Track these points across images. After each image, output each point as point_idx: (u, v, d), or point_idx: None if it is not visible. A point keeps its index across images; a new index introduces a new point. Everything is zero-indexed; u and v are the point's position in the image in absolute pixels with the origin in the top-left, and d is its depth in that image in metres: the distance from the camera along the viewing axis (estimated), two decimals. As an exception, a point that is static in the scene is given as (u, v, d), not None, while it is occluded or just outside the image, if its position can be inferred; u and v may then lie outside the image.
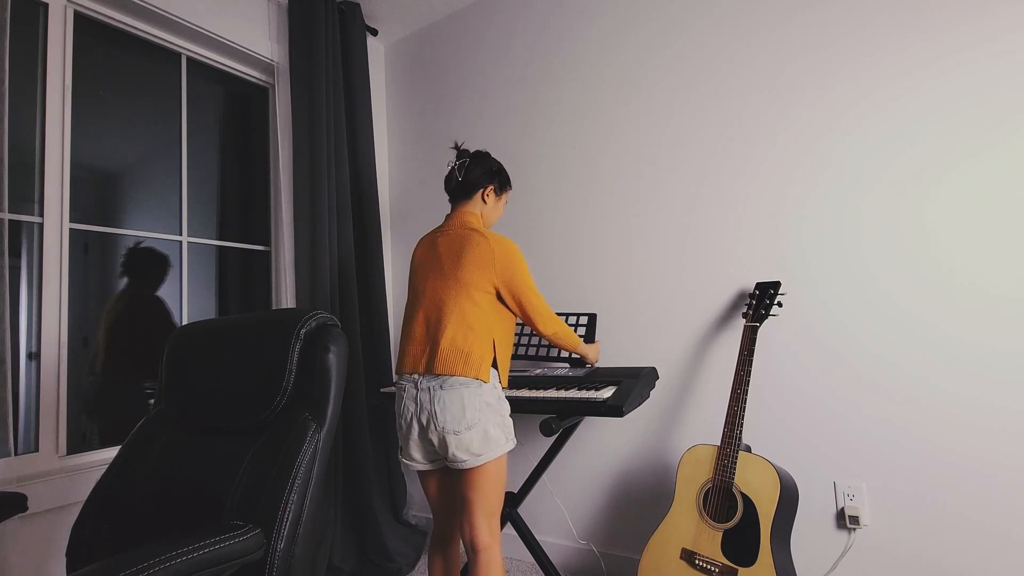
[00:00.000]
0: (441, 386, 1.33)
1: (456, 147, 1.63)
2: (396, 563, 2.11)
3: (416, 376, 1.38)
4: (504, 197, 1.63)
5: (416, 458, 1.41)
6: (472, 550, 1.34)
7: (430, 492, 1.49)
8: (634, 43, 2.05)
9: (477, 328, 1.37)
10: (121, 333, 1.82)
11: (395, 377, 1.40)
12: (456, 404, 1.31)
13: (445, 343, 1.35)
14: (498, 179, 1.60)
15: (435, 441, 1.34)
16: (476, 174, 1.54)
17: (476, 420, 1.31)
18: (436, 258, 1.47)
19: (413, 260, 1.56)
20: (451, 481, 1.49)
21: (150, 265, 1.91)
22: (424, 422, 1.34)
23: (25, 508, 1.09)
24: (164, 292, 1.96)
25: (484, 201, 1.56)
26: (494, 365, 1.41)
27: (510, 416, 1.42)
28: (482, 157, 1.58)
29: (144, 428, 1.14)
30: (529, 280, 1.46)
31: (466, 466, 1.31)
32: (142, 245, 1.87)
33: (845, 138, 1.65)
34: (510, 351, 1.50)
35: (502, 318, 1.45)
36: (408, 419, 1.38)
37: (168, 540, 0.76)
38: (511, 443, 1.37)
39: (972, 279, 1.47)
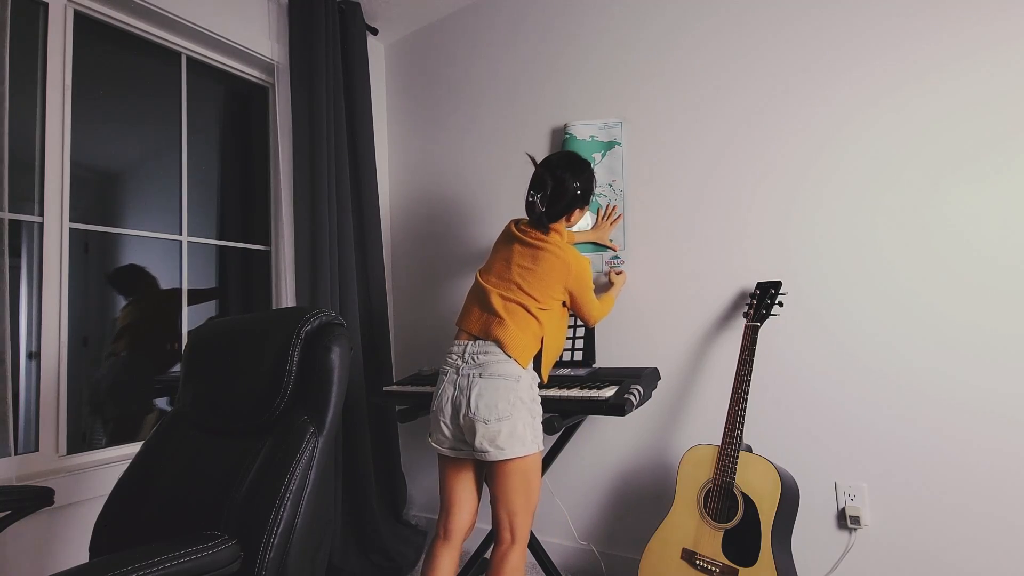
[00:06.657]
0: (481, 374, 1.34)
1: (532, 160, 1.54)
2: (396, 563, 2.11)
3: (465, 345, 1.41)
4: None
5: (442, 441, 1.41)
6: (494, 543, 1.37)
7: (448, 482, 1.46)
8: (640, 41, 2.05)
9: (532, 325, 1.42)
10: (139, 335, 1.87)
11: (447, 361, 1.46)
12: (491, 393, 1.32)
13: (504, 316, 1.41)
14: (584, 200, 1.51)
15: (464, 427, 1.35)
16: (560, 207, 1.47)
17: (507, 413, 1.31)
18: (507, 263, 1.49)
19: (497, 241, 1.59)
20: (470, 476, 1.47)
21: (134, 282, 1.89)
22: (457, 406, 1.36)
23: (51, 502, 1.11)
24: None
25: (568, 221, 1.53)
26: (537, 365, 1.44)
27: (541, 422, 1.42)
28: (566, 182, 1.47)
29: (164, 425, 1.14)
30: (590, 292, 1.53)
31: (489, 458, 1.31)
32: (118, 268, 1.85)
33: (858, 138, 1.64)
34: (558, 351, 1.53)
35: (557, 316, 1.48)
36: (443, 401, 1.39)
37: (133, 551, 0.72)
38: (536, 446, 1.36)
39: (988, 274, 1.47)
